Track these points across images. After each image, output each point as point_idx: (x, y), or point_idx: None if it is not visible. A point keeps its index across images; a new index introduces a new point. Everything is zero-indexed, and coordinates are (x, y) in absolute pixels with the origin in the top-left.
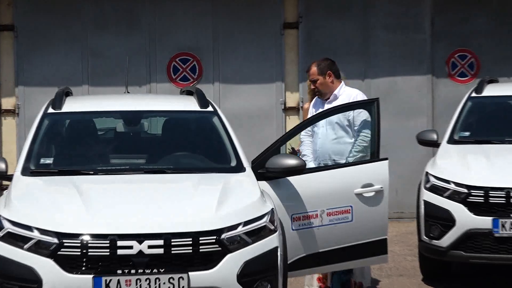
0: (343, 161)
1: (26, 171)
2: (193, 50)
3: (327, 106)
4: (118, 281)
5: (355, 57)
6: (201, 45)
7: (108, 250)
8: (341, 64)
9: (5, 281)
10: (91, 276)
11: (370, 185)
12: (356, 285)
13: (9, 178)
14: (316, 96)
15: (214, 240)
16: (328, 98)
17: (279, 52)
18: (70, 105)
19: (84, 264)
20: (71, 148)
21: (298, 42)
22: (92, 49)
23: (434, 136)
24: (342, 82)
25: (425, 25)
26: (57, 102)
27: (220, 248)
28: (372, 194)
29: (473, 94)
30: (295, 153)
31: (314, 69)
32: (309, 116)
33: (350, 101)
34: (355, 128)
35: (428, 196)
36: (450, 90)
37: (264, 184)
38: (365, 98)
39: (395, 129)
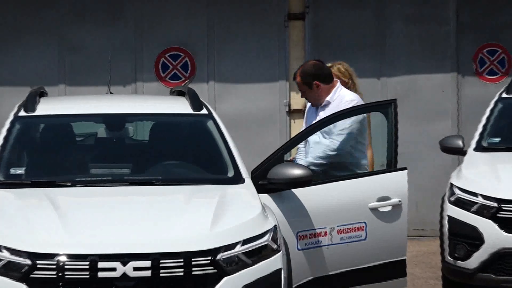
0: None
1: None
2: (185, 45)
3: (322, 113)
4: None
5: (369, 53)
6: (194, 39)
7: (87, 273)
8: (353, 60)
9: None
10: None
11: (386, 198)
12: None
13: None
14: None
15: (208, 261)
16: (321, 104)
17: (282, 47)
18: (45, 108)
19: None
20: (45, 157)
21: (304, 36)
22: (69, 43)
23: (460, 143)
24: (338, 83)
25: (449, 16)
26: (29, 104)
27: (215, 270)
28: (388, 208)
29: (504, 95)
30: None
31: (298, 79)
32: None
33: (341, 107)
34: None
35: (453, 211)
36: (477, 90)
37: (265, 197)
38: (358, 103)
39: (414, 134)
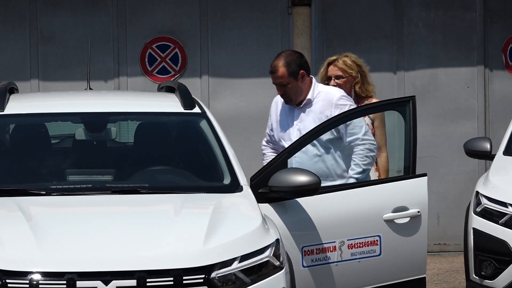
0: (328, 184)
1: None
2: (175, 34)
3: (303, 114)
4: None
5: (385, 43)
6: (185, 27)
7: None
8: (366, 52)
9: None
10: None
11: (404, 208)
12: None
13: None
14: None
15: (202, 280)
16: (300, 103)
17: (286, 36)
18: (15, 105)
19: None
20: (16, 161)
21: (310, 24)
22: (42, 33)
23: (487, 146)
24: (313, 79)
25: (475, 1)
26: None
27: None
28: (406, 220)
29: None
30: None
31: (282, 70)
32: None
33: (330, 106)
34: (348, 136)
35: (479, 223)
36: (507, 86)
37: (266, 208)
38: (348, 101)
39: (436, 136)
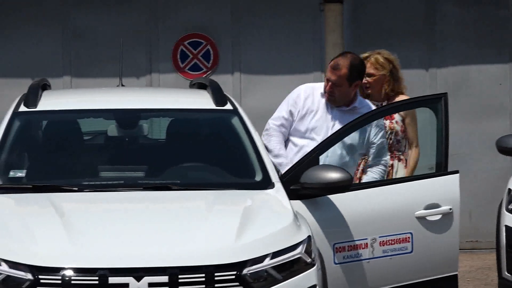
0: None
1: None
2: (207, 31)
3: (343, 117)
4: None
5: (417, 40)
6: (217, 24)
7: None
8: (398, 49)
9: None
10: None
11: (435, 205)
12: None
13: None
14: (323, 98)
15: (233, 276)
16: (341, 106)
17: (317, 33)
18: (48, 102)
19: None
20: (49, 157)
21: (342, 20)
22: (75, 30)
23: None
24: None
25: None
26: (31, 97)
27: (241, 287)
28: (438, 217)
29: None
30: None
31: (344, 71)
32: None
33: (374, 123)
34: (371, 147)
35: None
36: None
37: (298, 204)
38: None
39: (468, 133)
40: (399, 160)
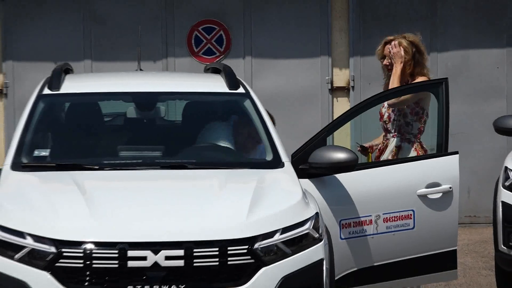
0: None
1: (17, 165)
2: (220, 17)
3: None
4: None
5: (419, 25)
6: (229, 10)
7: (116, 262)
8: (401, 33)
9: None
10: None
11: (436, 184)
12: None
13: None
14: None
15: (245, 250)
16: None
17: (324, 18)
18: (70, 85)
19: (87, 278)
20: (71, 138)
21: (348, 6)
22: (95, 16)
23: None
24: None
25: None
26: (54, 81)
27: (253, 260)
28: (438, 195)
29: None
30: (365, 152)
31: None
32: None
33: None
34: None
35: (508, 197)
36: None
37: (306, 183)
38: None
39: (467, 114)
40: (409, 142)
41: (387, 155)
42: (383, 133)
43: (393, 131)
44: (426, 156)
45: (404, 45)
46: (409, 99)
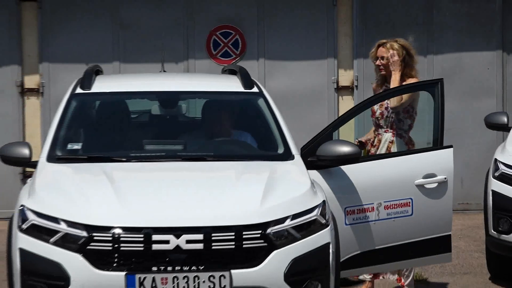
0: None
1: (52, 158)
2: (235, 23)
3: None
4: (153, 279)
5: (417, 30)
6: (244, 16)
7: (142, 245)
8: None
9: (29, 277)
10: (124, 273)
11: (432, 175)
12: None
13: (33, 165)
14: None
15: (259, 235)
16: None
17: (331, 24)
18: (101, 85)
19: (116, 260)
20: (101, 133)
21: (352, 13)
22: (123, 22)
23: (505, 119)
24: None
25: None
26: (86, 81)
27: (265, 244)
28: (434, 185)
29: None
30: (362, 147)
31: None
32: None
33: None
34: None
35: (497, 186)
36: None
37: (314, 174)
38: None
39: (460, 111)
40: (401, 137)
41: (382, 149)
42: (373, 128)
43: (385, 126)
44: (423, 150)
45: (396, 48)
46: (407, 100)
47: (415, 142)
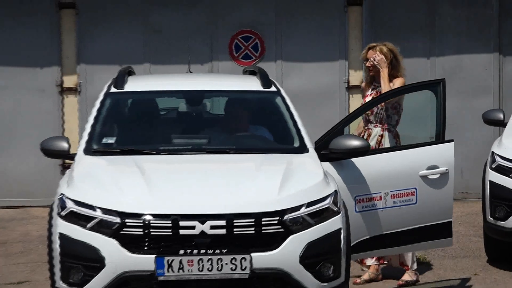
0: None
1: (88, 151)
2: (255, 28)
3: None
4: (181, 262)
5: (420, 34)
6: (263, 22)
7: (170, 230)
8: (405, 41)
9: (68, 260)
10: (154, 256)
11: (435, 167)
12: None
13: (72, 157)
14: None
15: (276, 221)
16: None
17: (342, 29)
18: (133, 85)
19: (146, 244)
20: (133, 128)
21: (361, 19)
22: (153, 27)
23: (501, 116)
24: None
25: (493, 0)
26: (119, 81)
27: (282, 229)
28: (437, 176)
29: None
30: None
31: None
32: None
33: None
34: None
35: (494, 177)
36: None
37: (327, 165)
38: None
39: (461, 108)
40: (389, 131)
41: (372, 142)
42: (362, 124)
43: (375, 122)
44: (426, 144)
45: (384, 51)
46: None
47: (416, 137)
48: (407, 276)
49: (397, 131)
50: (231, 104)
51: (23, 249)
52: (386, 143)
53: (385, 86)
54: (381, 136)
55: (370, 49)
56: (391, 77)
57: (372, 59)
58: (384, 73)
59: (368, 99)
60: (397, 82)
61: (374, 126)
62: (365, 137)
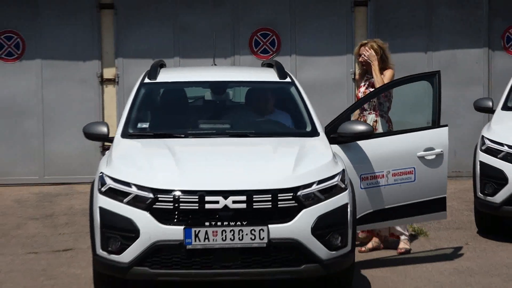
0: None
1: (125, 134)
2: (272, 25)
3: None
4: (206, 232)
5: (419, 32)
6: (279, 20)
7: (197, 205)
8: (406, 38)
9: (107, 230)
10: (182, 227)
11: (431, 149)
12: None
13: (110, 140)
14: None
15: (291, 197)
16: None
17: (349, 27)
18: (164, 76)
19: (176, 216)
20: (164, 114)
21: (367, 18)
22: (182, 25)
23: (490, 104)
24: None
25: (483, 2)
26: (152, 73)
27: (296, 204)
28: (433, 157)
29: None
30: None
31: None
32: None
33: None
34: None
35: (484, 157)
36: (505, 62)
37: (336, 148)
38: None
39: (454, 97)
40: (382, 117)
41: None
42: (357, 111)
43: (369, 109)
44: (424, 128)
45: (375, 47)
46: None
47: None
48: (403, 244)
49: (389, 116)
50: (251, 93)
51: (68, 221)
52: (380, 128)
53: (377, 77)
54: (376, 121)
55: (362, 45)
56: (382, 70)
57: (363, 54)
58: (375, 66)
59: (362, 89)
60: (387, 73)
61: (369, 113)
62: None
